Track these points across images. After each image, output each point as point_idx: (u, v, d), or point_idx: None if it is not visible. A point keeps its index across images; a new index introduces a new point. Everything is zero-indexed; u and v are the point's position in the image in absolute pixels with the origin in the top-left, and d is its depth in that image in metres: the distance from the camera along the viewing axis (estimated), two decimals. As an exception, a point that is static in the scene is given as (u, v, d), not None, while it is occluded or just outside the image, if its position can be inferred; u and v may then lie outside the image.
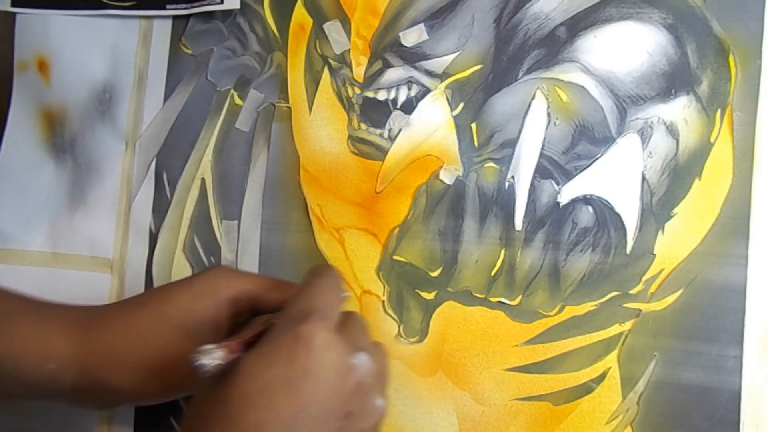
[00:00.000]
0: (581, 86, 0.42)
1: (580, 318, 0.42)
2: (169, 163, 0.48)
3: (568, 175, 0.43)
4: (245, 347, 0.32)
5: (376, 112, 0.45)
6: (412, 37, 0.45)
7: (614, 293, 0.42)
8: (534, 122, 0.43)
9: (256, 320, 0.36)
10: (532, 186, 0.43)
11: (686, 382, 0.41)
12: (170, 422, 0.45)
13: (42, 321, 0.37)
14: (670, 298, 0.41)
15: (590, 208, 0.42)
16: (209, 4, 0.47)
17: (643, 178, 0.42)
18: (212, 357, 0.31)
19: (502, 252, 0.43)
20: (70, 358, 0.36)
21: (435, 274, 0.44)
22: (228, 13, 0.48)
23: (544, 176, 0.43)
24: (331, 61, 0.46)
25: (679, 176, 0.42)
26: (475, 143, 0.44)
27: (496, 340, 0.43)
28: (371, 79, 0.45)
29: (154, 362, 0.36)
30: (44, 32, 0.49)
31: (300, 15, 0.47)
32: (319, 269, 0.37)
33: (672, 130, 0.42)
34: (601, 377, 0.42)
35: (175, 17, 0.48)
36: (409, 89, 0.45)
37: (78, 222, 0.48)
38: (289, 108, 0.47)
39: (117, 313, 0.38)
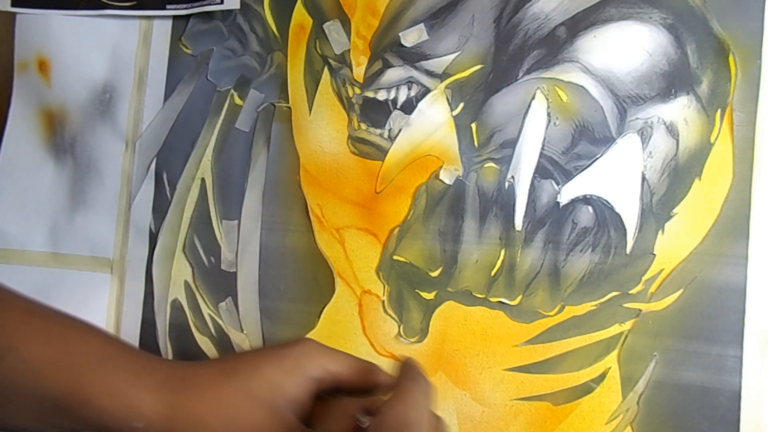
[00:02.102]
0: (581, 86, 0.42)
1: (580, 318, 0.42)
2: (169, 163, 0.48)
3: (568, 175, 0.43)
4: None
5: (376, 112, 0.45)
6: (412, 37, 0.45)
7: (614, 293, 0.42)
8: (534, 122, 0.43)
9: (339, 405, 0.36)
10: (532, 186, 0.43)
11: (686, 382, 0.41)
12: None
13: (136, 375, 0.36)
14: (670, 298, 0.41)
15: (590, 208, 0.42)
16: (209, 4, 0.47)
17: (643, 178, 0.42)
18: None
19: (502, 252, 0.43)
20: (159, 420, 0.35)
21: (435, 274, 0.44)
22: (228, 13, 0.48)
23: (544, 176, 0.43)
24: (331, 61, 0.46)
25: (679, 176, 0.42)
26: (475, 143, 0.44)
27: (496, 340, 0.43)
28: (371, 79, 0.45)
29: None
30: (44, 32, 0.49)
31: (300, 15, 0.47)
32: (411, 370, 0.36)
33: (672, 130, 0.42)
34: (601, 377, 0.42)
35: (175, 17, 0.48)
36: (409, 89, 0.45)
37: (78, 222, 0.48)
38: (289, 108, 0.47)
39: (208, 378, 0.37)
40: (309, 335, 0.45)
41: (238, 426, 0.35)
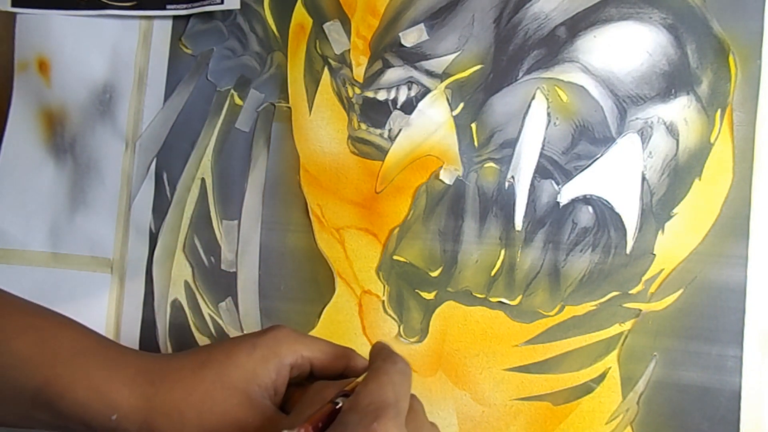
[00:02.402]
0: (581, 86, 0.42)
1: (580, 318, 0.42)
2: (169, 163, 0.48)
3: (568, 175, 0.43)
4: (319, 430, 0.31)
5: (376, 112, 0.45)
6: (412, 37, 0.45)
7: (614, 293, 0.42)
8: (534, 122, 0.43)
9: (314, 389, 0.36)
10: (532, 186, 0.43)
11: (686, 382, 0.41)
12: None
13: (111, 368, 0.36)
14: (670, 298, 0.41)
15: (590, 208, 0.42)
16: (209, 4, 0.47)
17: (643, 178, 0.42)
18: None
19: (502, 252, 0.43)
20: (135, 412, 0.35)
21: (435, 274, 0.44)
22: (228, 13, 0.48)
23: (544, 176, 0.43)
24: (331, 61, 0.46)
25: (679, 176, 0.42)
26: (475, 143, 0.44)
27: (496, 340, 0.43)
28: (371, 79, 0.45)
29: (215, 427, 0.35)
30: (44, 32, 0.49)
31: (300, 15, 0.47)
32: (387, 352, 0.36)
33: (672, 130, 0.42)
34: (601, 377, 0.42)
35: (175, 17, 0.48)
36: (409, 89, 0.45)
37: (78, 222, 0.48)
38: (289, 108, 0.47)
39: (182, 369, 0.37)
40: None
41: (213, 415, 0.35)
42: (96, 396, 0.35)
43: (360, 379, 0.34)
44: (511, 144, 0.43)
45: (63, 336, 0.37)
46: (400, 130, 0.45)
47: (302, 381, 0.38)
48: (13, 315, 0.37)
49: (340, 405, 0.32)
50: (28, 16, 0.49)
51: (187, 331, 0.47)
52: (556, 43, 0.43)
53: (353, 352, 0.38)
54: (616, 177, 0.42)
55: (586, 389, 0.42)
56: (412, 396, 0.35)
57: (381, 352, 0.36)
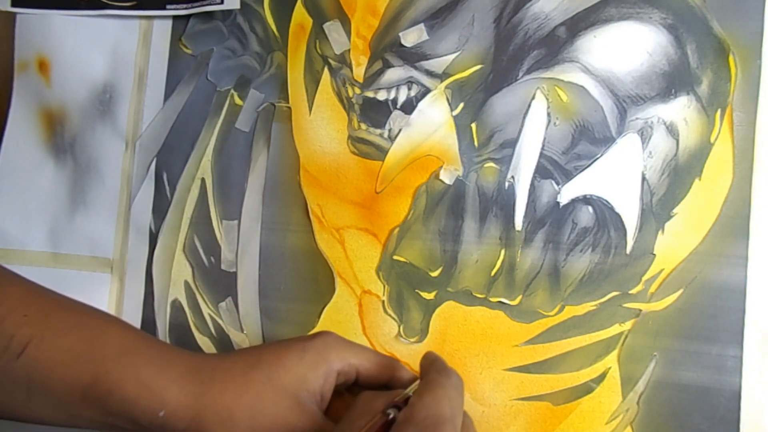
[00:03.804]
0: (581, 86, 0.42)
1: (580, 318, 0.42)
2: (169, 163, 0.48)
3: (568, 175, 0.43)
4: None
5: (376, 112, 0.45)
6: (412, 37, 0.45)
7: (614, 293, 0.42)
8: (534, 122, 0.43)
9: (364, 399, 0.35)
10: (532, 186, 0.43)
11: (686, 382, 0.41)
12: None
13: (161, 365, 0.36)
14: (670, 298, 0.41)
15: (590, 208, 0.42)
16: (209, 4, 0.47)
17: (643, 178, 0.42)
18: None
19: (502, 252, 0.43)
20: (183, 409, 0.35)
21: (435, 274, 0.44)
22: (228, 13, 0.48)
23: (544, 176, 0.43)
24: (331, 61, 0.46)
25: (679, 176, 0.42)
26: (475, 143, 0.44)
27: (496, 340, 0.43)
28: (371, 79, 0.45)
29: (265, 429, 0.35)
30: (44, 32, 0.49)
31: (300, 15, 0.47)
32: (440, 364, 0.36)
33: (672, 130, 0.42)
34: (601, 377, 0.42)
35: (175, 17, 0.48)
36: (409, 89, 0.45)
37: (78, 222, 0.48)
38: (289, 108, 0.47)
39: (233, 369, 0.37)
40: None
41: (263, 416, 0.35)
42: (145, 392, 0.35)
43: (410, 390, 0.34)
44: (511, 144, 0.43)
45: (111, 333, 0.37)
46: (400, 130, 0.45)
47: (344, 389, 0.38)
48: (59, 312, 0.37)
49: (392, 416, 0.32)
50: (28, 16, 0.49)
51: (187, 331, 0.47)
52: (556, 43, 0.43)
53: (398, 363, 0.38)
54: (616, 177, 0.42)
55: (586, 389, 0.42)
56: (466, 414, 0.35)
57: (434, 364, 0.36)
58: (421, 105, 0.44)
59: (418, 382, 0.36)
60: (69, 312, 0.38)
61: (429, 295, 0.44)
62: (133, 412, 0.35)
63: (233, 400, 0.35)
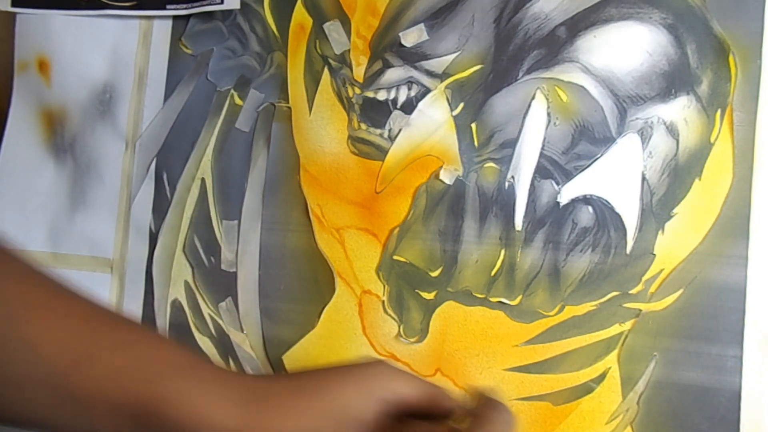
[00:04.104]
0: (581, 86, 0.42)
1: (580, 318, 0.42)
2: (169, 163, 0.48)
3: (568, 175, 0.43)
4: None
5: (376, 112, 0.45)
6: (412, 37, 0.45)
7: (614, 293, 0.42)
8: (534, 122, 0.43)
9: (412, 429, 0.36)
10: (532, 186, 0.43)
11: (686, 382, 0.41)
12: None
13: (209, 387, 0.35)
14: (670, 298, 0.41)
15: (590, 208, 0.42)
16: (209, 4, 0.47)
17: (643, 178, 0.42)
18: None
19: (502, 252, 0.43)
20: None
21: (435, 274, 0.44)
22: (228, 13, 0.48)
23: (544, 176, 0.43)
24: (331, 61, 0.46)
25: (679, 176, 0.42)
26: (475, 143, 0.44)
27: (496, 340, 0.43)
28: (371, 79, 0.45)
29: None
30: (44, 32, 0.49)
31: (300, 15, 0.47)
32: (492, 400, 0.36)
33: (672, 130, 0.42)
34: (601, 377, 0.42)
35: (175, 17, 0.48)
36: (409, 89, 0.45)
37: (78, 222, 0.48)
38: (289, 108, 0.47)
39: (280, 394, 0.36)
40: (309, 335, 0.45)
41: None
42: (192, 414, 0.34)
43: (463, 425, 0.34)
44: (511, 144, 0.43)
45: (162, 351, 0.37)
46: (400, 130, 0.45)
47: (388, 418, 0.37)
48: (109, 329, 0.37)
49: None
50: (28, 16, 0.49)
51: (187, 331, 0.47)
52: (556, 43, 0.43)
53: (446, 393, 0.38)
54: (616, 177, 0.42)
55: (586, 389, 0.42)
56: None
57: (489, 400, 0.36)
58: (421, 105, 0.44)
59: (462, 412, 0.36)
60: (120, 329, 0.37)
61: (429, 295, 0.44)
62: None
63: (280, 424, 0.35)
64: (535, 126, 0.43)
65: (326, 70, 0.46)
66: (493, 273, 0.43)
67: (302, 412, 0.35)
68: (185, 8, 0.47)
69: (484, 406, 0.35)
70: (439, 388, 0.38)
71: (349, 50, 0.46)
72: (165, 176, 0.48)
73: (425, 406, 0.37)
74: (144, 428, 0.35)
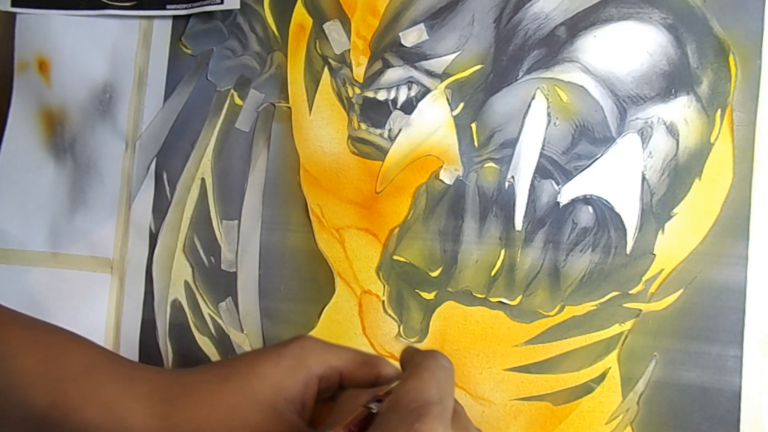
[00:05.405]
0: (581, 86, 0.42)
1: (580, 318, 0.42)
2: (169, 163, 0.48)
3: (568, 175, 0.43)
4: None
5: (376, 112, 0.45)
6: (412, 37, 0.45)
7: (614, 293, 0.42)
8: (534, 122, 0.43)
9: (345, 397, 0.33)
10: (532, 186, 0.43)
11: (686, 382, 0.41)
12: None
13: (124, 385, 0.33)
14: (670, 298, 0.41)
15: (590, 208, 0.42)
16: (209, 4, 0.47)
17: (643, 178, 0.42)
18: None
19: (502, 252, 0.43)
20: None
21: (435, 274, 0.44)
22: (228, 13, 0.48)
23: (544, 176, 0.43)
24: (331, 61, 0.46)
25: (679, 176, 0.42)
26: (475, 143, 0.44)
27: (496, 340, 0.43)
28: (371, 79, 0.45)
29: None
30: (44, 32, 0.49)
31: (300, 15, 0.47)
32: (424, 351, 0.33)
33: (672, 130, 0.42)
34: (601, 377, 0.42)
35: (175, 17, 0.48)
36: (409, 89, 0.45)
37: (78, 222, 0.48)
38: (289, 108, 0.47)
39: (203, 384, 0.34)
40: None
41: (237, 430, 0.32)
42: (107, 416, 0.32)
43: (395, 384, 0.31)
44: (511, 144, 0.43)
45: (71, 352, 0.34)
46: (400, 130, 0.45)
47: (329, 396, 0.35)
48: (15, 331, 0.35)
49: (375, 410, 0.30)
50: (28, 16, 0.49)
51: (187, 331, 0.47)
52: (556, 43, 0.43)
53: (384, 360, 0.36)
54: (616, 177, 0.42)
55: (586, 389, 0.42)
56: (457, 402, 0.32)
57: (420, 351, 0.33)
58: (421, 105, 0.44)
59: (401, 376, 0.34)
60: (25, 330, 0.35)
61: (429, 295, 0.44)
62: None
63: (205, 417, 0.33)
64: (535, 126, 0.43)
65: (326, 70, 0.46)
66: (493, 273, 0.43)
67: (227, 401, 0.33)
68: (185, 8, 0.47)
69: (418, 354, 0.32)
70: (376, 356, 0.36)
71: (349, 50, 0.46)
72: (165, 176, 0.48)
73: (361, 375, 0.35)
74: None
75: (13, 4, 0.49)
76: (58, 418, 0.32)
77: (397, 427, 0.27)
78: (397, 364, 0.36)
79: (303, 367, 0.34)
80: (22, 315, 0.37)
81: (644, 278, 0.42)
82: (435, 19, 0.44)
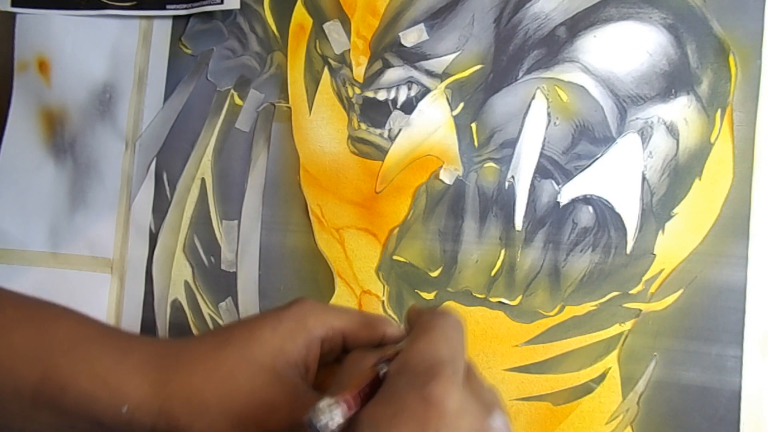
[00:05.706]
0: (581, 86, 0.42)
1: (580, 318, 0.42)
2: (169, 163, 0.48)
3: (568, 175, 0.43)
4: (361, 401, 0.27)
5: (376, 112, 0.45)
6: (412, 37, 0.45)
7: (614, 293, 0.42)
8: (534, 122, 0.43)
9: (351, 359, 0.33)
10: (532, 186, 0.43)
11: (686, 382, 0.41)
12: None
13: (117, 355, 0.33)
14: (670, 298, 0.41)
15: (590, 208, 0.42)
16: (209, 4, 0.47)
17: (644, 178, 0.42)
18: (332, 415, 0.26)
19: (502, 252, 0.43)
20: (148, 401, 0.31)
21: (435, 274, 0.44)
22: (228, 13, 0.48)
23: (544, 176, 0.43)
24: (331, 61, 0.46)
25: (679, 176, 0.42)
26: (475, 143, 0.44)
27: (496, 340, 0.43)
28: (371, 79, 0.45)
29: (242, 409, 0.31)
30: (44, 32, 0.49)
31: (300, 15, 0.47)
32: (437, 310, 0.32)
33: (672, 130, 0.42)
34: (601, 377, 0.42)
35: (175, 17, 0.48)
36: (409, 89, 0.45)
37: (78, 222, 0.48)
38: (289, 108, 0.47)
39: (200, 350, 0.33)
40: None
41: (238, 396, 0.32)
42: (102, 386, 0.32)
43: (403, 343, 0.30)
44: (511, 144, 0.43)
45: (62, 325, 0.34)
46: (400, 130, 0.45)
47: (335, 359, 0.34)
48: (6, 308, 0.34)
49: (384, 371, 0.28)
50: (28, 16, 0.49)
51: (187, 331, 0.47)
52: (556, 43, 0.43)
53: (388, 321, 0.35)
54: (617, 177, 0.42)
55: (586, 389, 0.42)
56: (469, 361, 0.31)
57: (429, 310, 0.32)
58: (421, 105, 0.44)
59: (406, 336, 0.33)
60: (15, 306, 0.34)
61: (429, 295, 0.44)
62: (93, 410, 0.32)
63: (203, 382, 0.32)
64: (535, 126, 0.43)
65: (326, 70, 0.46)
66: (493, 273, 0.43)
67: (226, 366, 0.32)
68: (185, 8, 0.47)
69: (426, 313, 0.31)
70: (379, 316, 0.35)
71: (349, 50, 0.46)
72: (165, 176, 0.48)
73: (364, 336, 0.34)
74: (50, 410, 0.32)
75: (13, 4, 0.49)
76: (52, 390, 0.32)
77: (408, 390, 0.26)
78: (401, 326, 0.35)
79: (303, 330, 0.33)
80: (14, 293, 0.36)
81: (644, 278, 0.42)
82: (435, 19, 0.44)
